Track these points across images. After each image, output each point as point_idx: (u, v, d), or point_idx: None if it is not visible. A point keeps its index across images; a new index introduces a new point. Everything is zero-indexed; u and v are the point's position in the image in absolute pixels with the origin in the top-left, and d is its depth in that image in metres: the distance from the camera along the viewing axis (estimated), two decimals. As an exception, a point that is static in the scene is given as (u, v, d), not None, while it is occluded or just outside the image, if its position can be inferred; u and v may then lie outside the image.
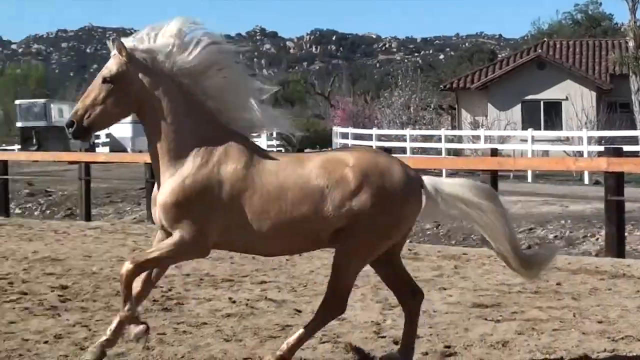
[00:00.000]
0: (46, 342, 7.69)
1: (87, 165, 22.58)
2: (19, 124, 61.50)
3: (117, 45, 6.47)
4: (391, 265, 6.84)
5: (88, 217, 21.91)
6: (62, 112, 58.51)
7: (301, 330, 6.64)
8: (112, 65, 6.47)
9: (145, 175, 20.94)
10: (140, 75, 6.44)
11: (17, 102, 65.35)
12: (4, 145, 75.87)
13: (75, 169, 23.39)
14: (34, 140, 56.82)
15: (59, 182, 30.91)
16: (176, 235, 6.29)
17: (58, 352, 7.35)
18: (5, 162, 23.82)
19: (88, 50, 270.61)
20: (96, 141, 57.65)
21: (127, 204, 26.44)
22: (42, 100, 63.90)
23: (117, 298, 9.69)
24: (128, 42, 6.53)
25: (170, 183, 6.33)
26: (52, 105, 60.58)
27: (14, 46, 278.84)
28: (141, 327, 6.37)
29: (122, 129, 52.46)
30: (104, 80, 6.44)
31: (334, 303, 6.56)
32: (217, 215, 6.29)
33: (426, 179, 6.69)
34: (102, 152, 47.43)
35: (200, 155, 6.36)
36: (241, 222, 6.32)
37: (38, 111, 59.39)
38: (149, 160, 7.00)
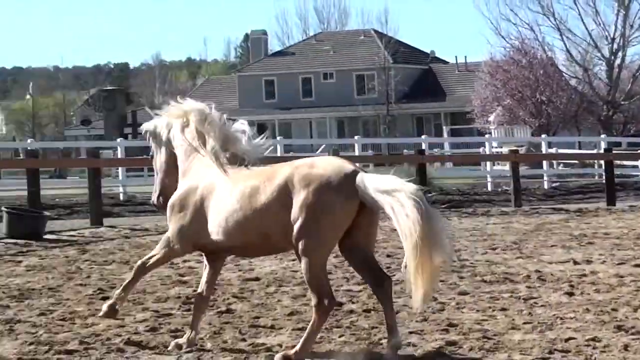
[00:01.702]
0: None
1: None
2: None
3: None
4: (357, 258, 7.53)
5: None
6: None
7: (307, 333, 7.41)
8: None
9: None
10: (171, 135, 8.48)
11: None
12: None
13: None
14: None
15: None
16: (166, 234, 8.07)
17: None
18: None
19: None
20: None
21: None
22: None
23: None
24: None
25: (173, 194, 8.17)
26: None
27: None
28: (111, 308, 8.01)
29: None
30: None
31: (320, 300, 7.27)
32: (192, 221, 7.87)
33: (358, 176, 7.29)
34: None
35: (190, 177, 8.12)
36: (210, 228, 7.77)
37: None
38: None
